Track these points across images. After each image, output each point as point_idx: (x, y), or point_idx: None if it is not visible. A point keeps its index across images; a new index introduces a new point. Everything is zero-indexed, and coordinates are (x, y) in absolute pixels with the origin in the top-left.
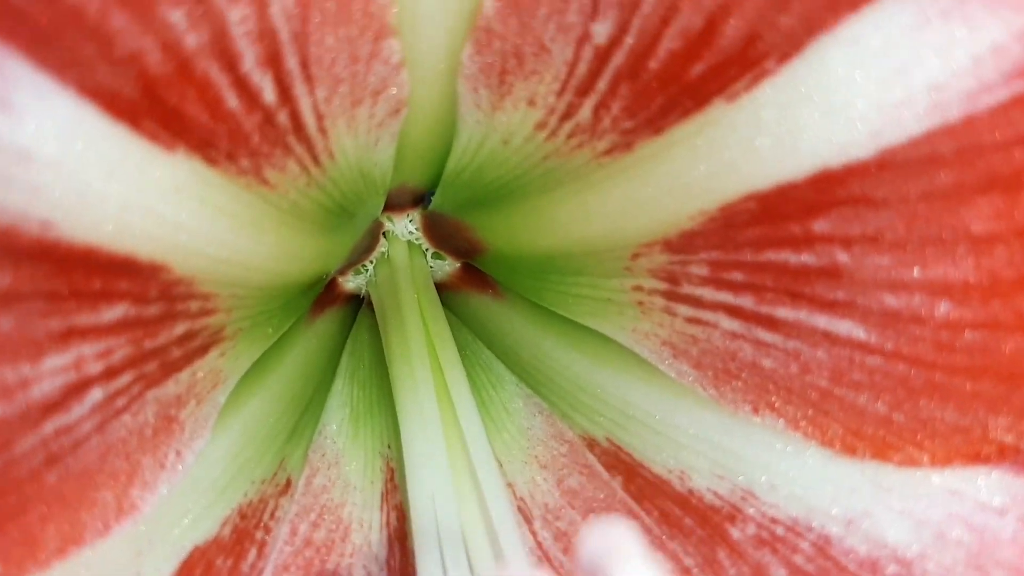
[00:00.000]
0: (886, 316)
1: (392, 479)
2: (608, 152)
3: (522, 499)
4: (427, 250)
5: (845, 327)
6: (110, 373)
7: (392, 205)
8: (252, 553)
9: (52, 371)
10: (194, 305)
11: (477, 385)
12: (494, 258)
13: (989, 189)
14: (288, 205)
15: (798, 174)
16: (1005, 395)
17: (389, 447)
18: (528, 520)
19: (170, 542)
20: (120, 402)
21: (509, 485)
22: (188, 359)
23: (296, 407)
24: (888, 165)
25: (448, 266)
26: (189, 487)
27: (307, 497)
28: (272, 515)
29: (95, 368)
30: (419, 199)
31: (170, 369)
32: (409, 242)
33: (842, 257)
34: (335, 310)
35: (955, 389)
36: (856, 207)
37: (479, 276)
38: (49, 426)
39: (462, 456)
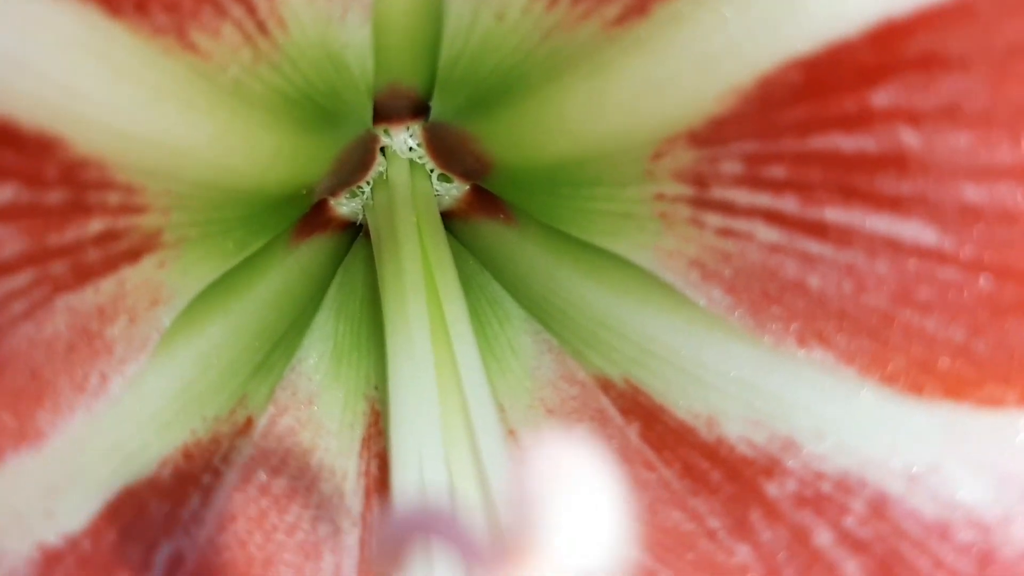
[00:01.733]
0: (965, 214)
1: (377, 424)
2: (619, 20)
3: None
4: (432, 171)
5: (912, 230)
6: (2, 269)
7: (387, 115)
8: (195, 499)
9: None
10: (112, 198)
11: (481, 321)
12: (502, 175)
13: None
14: (231, 84)
15: (853, 29)
16: None
17: (376, 388)
18: None
19: (94, 480)
20: (18, 306)
21: (511, 432)
22: (111, 264)
23: (266, 339)
24: (970, 9)
25: (455, 189)
26: (121, 418)
27: (269, 439)
28: (224, 458)
29: None
30: (418, 110)
31: (86, 274)
32: (411, 161)
33: (908, 138)
34: (326, 237)
35: None
36: (928, 69)
37: (489, 200)
38: None
39: (456, 398)
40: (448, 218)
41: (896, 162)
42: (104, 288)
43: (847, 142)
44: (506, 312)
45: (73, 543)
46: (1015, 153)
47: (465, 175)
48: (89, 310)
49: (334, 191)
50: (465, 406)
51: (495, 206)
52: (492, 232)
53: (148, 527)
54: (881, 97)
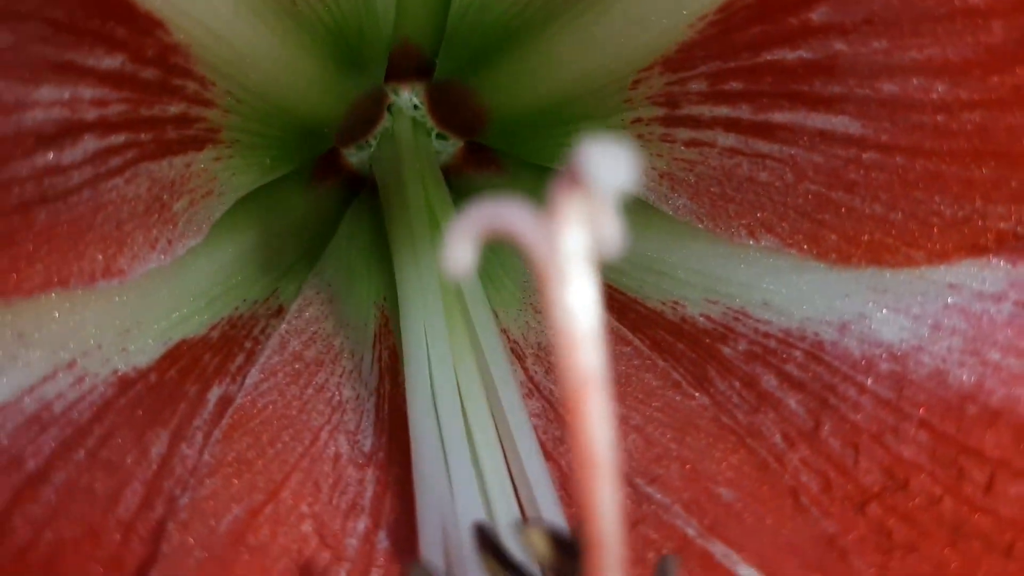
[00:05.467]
0: (883, 105)
1: (386, 324)
2: None
3: (515, 341)
4: (431, 129)
5: (841, 123)
6: (105, 126)
7: (396, 73)
8: (240, 358)
9: (48, 102)
10: (191, 86)
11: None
12: (497, 128)
13: None
14: (288, 2)
15: None
16: (1003, 179)
17: (385, 299)
18: (520, 358)
19: (158, 330)
20: (114, 162)
21: (503, 331)
22: (183, 146)
23: (293, 251)
24: None
25: (452, 146)
26: (179, 288)
27: (300, 321)
28: (263, 331)
29: (90, 114)
30: (423, 71)
31: (166, 148)
32: (414, 119)
33: (839, 46)
34: (339, 183)
35: (953, 177)
36: None
37: (482, 155)
38: (41, 159)
39: (456, 299)
40: (444, 173)
41: (829, 68)
42: (176, 164)
43: (791, 54)
44: (499, 243)
45: (142, 374)
46: (920, 52)
47: (461, 131)
48: (164, 181)
49: (346, 141)
50: (464, 303)
51: (487, 159)
52: (483, 181)
53: (202, 372)
54: (819, 13)
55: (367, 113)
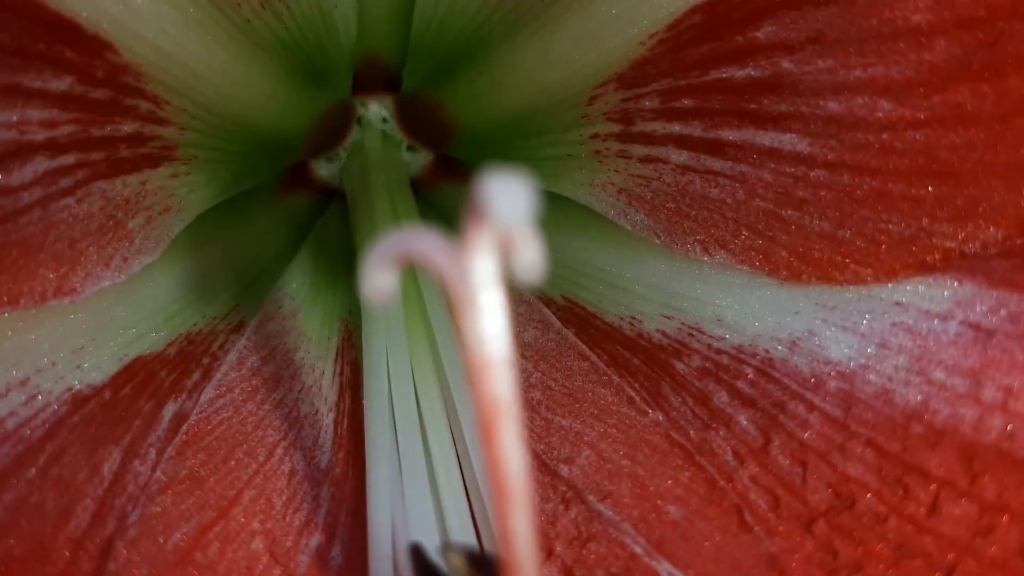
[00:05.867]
0: (829, 123)
1: (350, 339)
2: None
3: None
4: (401, 142)
5: (789, 141)
6: (55, 147)
7: (364, 87)
8: (196, 374)
9: None
10: (143, 105)
11: None
12: (464, 139)
13: None
14: (243, 22)
15: None
16: (948, 197)
17: (350, 313)
18: None
19: (113, 347)
20: (64, 182)
21: None
22: (137, 164)
23: (255, 265)
24: None
25: (422, 159)
26: (135, 305)
27: (259, 336)
28: (221, 347)
29: (39, 135)
30: (390, 85)
31: (119, 167)
32: (383, 132)
33: (785, 64)
34: (307, 195)
35: (899, 195)
36: (799, 7)
37: (450, 166)
38: None
39: (419, 315)
40: (414, 185)
41: (776, 86)
42: (130, 182)
43: (739, 72)
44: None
45: (96, 391)
46: (864, 71)
47: (431, 144)
48: (118, 199)
49: (315, 153)
50: (428, 324)
51: (455, 171)
52: (452, 193)
53: (157, 388)
54: (765, 31)
55: (336, 126)
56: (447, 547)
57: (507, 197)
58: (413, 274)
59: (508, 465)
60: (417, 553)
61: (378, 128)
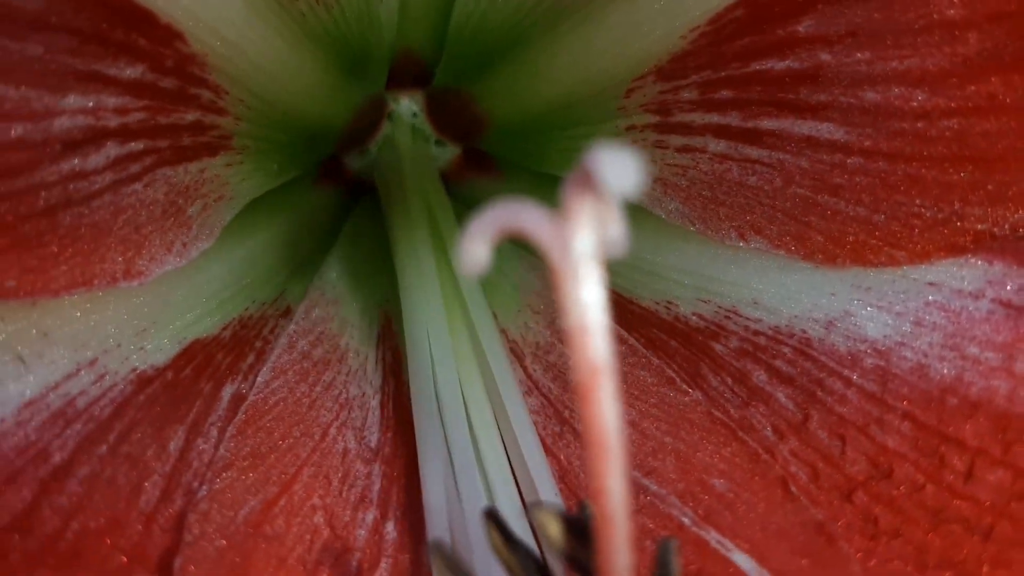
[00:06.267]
0: (866, 113)
1: (389, 326)
2: None
3: (514, 341)
4: (430, 136)
5: (826, 129)
6: (126, 133)
7: (396, 81)
8: (251, 356)
9: (74, 109)
10: (206, 95)
11: None
12: (496, 133)
13: None
14: (299, 15)
15: None
16: (980, 182)
17: (388, 301)
18: (519, 357)
19: (173, 330)
20: (134, 168)
21: (502, 331)
22: (197, 153)
23: (299, 253)
24: None
25: (450, 153)
26: (192, 290)
27: (306, 322)
28: (272, 330)
29: (112, 121)
30: (423, 80)
31: (181, 155)
32: (413, 126)
33: (824, 56)
34: (341, 188)
35: (932, 180)
36: (839, 2)
37: (479, 160)
38: (66, 165)
39: (457, 302)
40: (444, 179)
41: (815, 77)
42: (191, 170)
43: (779, 64)
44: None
45: (159, 372)
46: (901, 63)
47: (460, 138)
48: (179, 186)
49: (347, 148)
50: (464, 303)
51: (486, 165)
52: (481, 187)
53: (215, 370)
54: (805, 25)
55: (368, 120)
56: (535, 507)
57: (618, 171)
58: (447, 262)
59: (605, 423)
60: (492, 516)
61: (408, 123)
